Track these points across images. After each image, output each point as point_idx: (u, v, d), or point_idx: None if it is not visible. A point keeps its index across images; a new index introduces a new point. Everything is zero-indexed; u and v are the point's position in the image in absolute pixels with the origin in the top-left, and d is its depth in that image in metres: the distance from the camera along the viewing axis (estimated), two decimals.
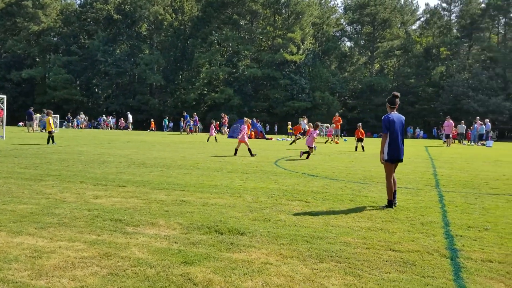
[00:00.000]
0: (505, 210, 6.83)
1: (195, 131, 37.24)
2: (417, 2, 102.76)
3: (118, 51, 62.88)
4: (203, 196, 7.38)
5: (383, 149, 7.03)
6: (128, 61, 62.09)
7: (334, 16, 68.99)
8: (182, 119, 39.31)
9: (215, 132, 25.21)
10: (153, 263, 4.10)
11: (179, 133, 39.06)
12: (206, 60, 61.85)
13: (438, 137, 51.00)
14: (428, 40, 62.62)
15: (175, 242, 4.80)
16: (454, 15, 62.65)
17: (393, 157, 6.97)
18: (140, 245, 4.68)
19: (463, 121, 33.00)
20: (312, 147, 14.87)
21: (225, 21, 62.89)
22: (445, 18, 63.34)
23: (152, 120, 48.29)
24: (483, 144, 28.41)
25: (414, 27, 67.55)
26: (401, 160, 7.13)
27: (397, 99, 7.15)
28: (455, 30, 61.86)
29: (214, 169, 11.08)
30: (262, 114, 59.21)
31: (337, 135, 28.54)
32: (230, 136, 31.77)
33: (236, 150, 15.42)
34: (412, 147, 23.77)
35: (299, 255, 4.46)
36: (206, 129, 47.63)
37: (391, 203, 6.86)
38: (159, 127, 53.15)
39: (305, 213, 6.32)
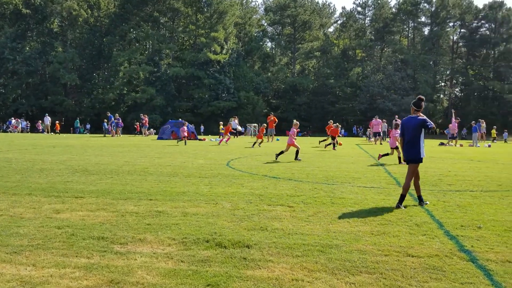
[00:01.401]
0: (480, 207, 7.05)
1: (117, 133, 35.39)
2: (334, 5, 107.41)
3: (27, 48, 58.03)
4: (178, 205, 6.81)
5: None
6: (39, 59, 57.56)
7: (255, 16, 69.65)
8: (106, 120, 37.05)
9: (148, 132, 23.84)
10: None
11: (102, 135, 36.83)
12: (125, 58, 59.27)
13: (357, 135, 53.49)
14: (345, 42, 65.48)
15: (182, 261, 4.28)
16: (368, 18, 66.10)
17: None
18: (144, 267, 4.10)
19: (385, 120, 34.75)
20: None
21: (145, 19, 60.75)
22: (360, 22, 66.62)
23: (57, 121, 45.06)
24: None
25: (331, 30, 70.26)
26: (410, 161, 7.15)
27: (423, 102, 7.22)
28: (369, 33, 65.21)
29: (169, 174, 10.42)
30: (187, 114, 58.06)
31: (271, 135, 28.62)
32: (159, 138, 30.60)
33: (281, 153, 14.73)
34: (345, 146, 24.47)
35: (324, 268, 4.16)
36: (128, 131, 45.74)
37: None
38: (66, 129, 50.12)
39: (296, 219, 6.03)
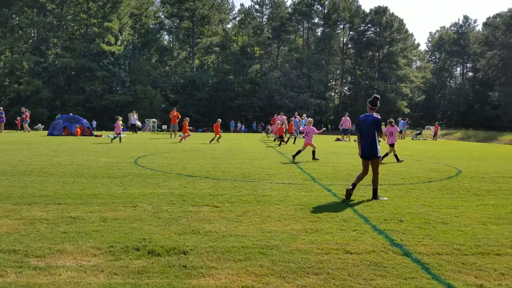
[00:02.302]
0: (394, 200, 7.43)
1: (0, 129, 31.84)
2: (232, 1, 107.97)
3: None
4: (93, 210, 6.19)
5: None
6: None
7: (152, 8, 67.34)
8: None
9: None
10: None
11: None
12: (7, 46, 53.67)
13: (257, 130, 54.53)
14: (244, 39, 66.24)
15: (115, 274, 3.83)
16: (265, 17, 67.52)
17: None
18: (73, 283, 3.59)
19: (285, 117, 35.77)
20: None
21: (29, 4, 55.40)
22: (258, 19, 67.83)
23: None
24: (303, 137, 31.19)
25: (230, 26, 70.60)
26: (364, 158, 7.59)
27: (378, 101, 7.61)
28: (266, 31, 66.71)
29: (73, 175, 9.52)
30: (78, 108, 54.29)
31: (174, 131, 27.84)
32: (50, 134, 28.15)
33: (298, 153, 13.97)
34: (247, 141, 24.72)
35: (271, 271, 3.99)
36: (10, 126, 41.46)
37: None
38: None
39: (226, 220, 5.80)
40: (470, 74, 75.12)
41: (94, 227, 5.29)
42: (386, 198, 7.49)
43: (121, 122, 21.88)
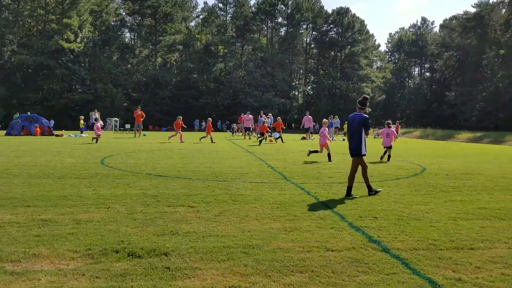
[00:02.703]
0: (366, 198, 7.59)
1: None
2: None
3: None
4: (64, 212, 6.00)
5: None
6: None
7: (112, 5, 65.77)
8: None
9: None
10: None
11: None
12: None
13: (221, 129, 54.33)
14: (208, 37, 65.81)
15: (97, 277, 3.73)
16: (229, 15, 67.31)
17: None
18: None
19: (251, 116, 35.79)
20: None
21: None
22: (222, 18, 67.54)
23: None
24: (270, 135, 31.29)
25: (193, 24, 69.94)
26: (352, 155, 7.83)
27: (367, 101, 7.83)
28: (230, 30, 66.55)
29: (39, 176, 9.18)
30: (35, 107, 52.35)
31: (138, 130, 27.30)
32: (8, 134, 27.04)
33: (315, 151, 14.36)
34: (217, 140, 24.54)
35: (256, 270, 3.99)
36: None
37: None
38: None
39: (204, 220, 5.75)
40: (428, 74, 77.61)
41: (68, 229, 5.13)
42: (358, 196, 7.62)
43: (101, 124, 21.20)
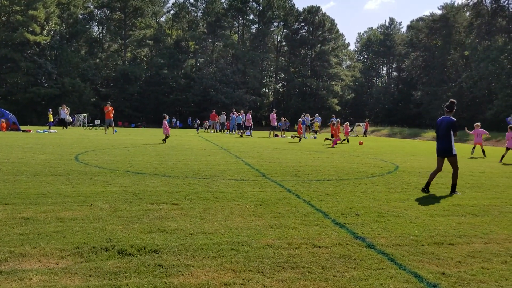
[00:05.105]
0: (345, 195, 7.76)
1: None
2: None
3: None
4: (46, 210, 5.89)
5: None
6: None
7: None
8: None
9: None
10: None
11: None
12: None
13: (192, 126, 53.97)
14: (178, 33, 65.17)
15: (90, 276, 3.71)
16: (200, 11, 66.84)
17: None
18: (48, 287, 3.42)
19: (224, 112, 35.78)
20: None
21: None
22: (193, 14, 66.99)
23: None
24: (242, 133, 31.35)
25: (164, 19, 69.06)
26: (439, 154, 8.43)
27: (454, 105, 8.43)
28: (201, 26, 66.07)
29: (12, 173, 8.94)
30: None
31: (108, 126, 26.82)
32: None
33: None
34: (186, 137, 24.45)
35: (249, 267, 4.06)
36: None
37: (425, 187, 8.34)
38: None
39: (190, 217, 5.77)
40: (395, 74, 79.34)
41: (53, 228, 5.05)
42: (460, 193, 8.23)
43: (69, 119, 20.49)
